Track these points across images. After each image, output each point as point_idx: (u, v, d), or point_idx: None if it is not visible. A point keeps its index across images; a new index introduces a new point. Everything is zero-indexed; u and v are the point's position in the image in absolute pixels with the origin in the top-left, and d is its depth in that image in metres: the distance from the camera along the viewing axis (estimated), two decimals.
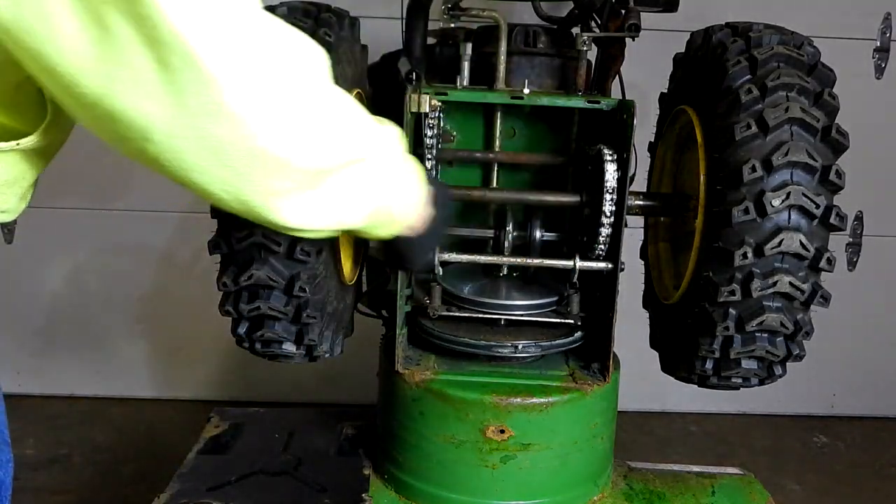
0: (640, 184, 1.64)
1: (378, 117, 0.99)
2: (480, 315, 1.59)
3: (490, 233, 1.65)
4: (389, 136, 0.98)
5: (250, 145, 0.75)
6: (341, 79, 1.40)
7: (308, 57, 0.82)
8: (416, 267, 1.34)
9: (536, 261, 1.57)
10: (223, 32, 0.70)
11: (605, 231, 1.46)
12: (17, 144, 0.84)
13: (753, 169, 1.28)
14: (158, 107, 0.70)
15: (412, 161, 1.06)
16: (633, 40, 1.54)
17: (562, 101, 1.55)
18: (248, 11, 0.74)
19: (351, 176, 0.88)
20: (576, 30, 1.69)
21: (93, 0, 0.65)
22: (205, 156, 0.74)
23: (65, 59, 0.67)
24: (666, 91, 1.69)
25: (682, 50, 1.60)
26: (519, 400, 1.49)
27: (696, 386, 1.52)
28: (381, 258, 1.26)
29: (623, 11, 1.53)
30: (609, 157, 1.44)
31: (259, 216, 0.83)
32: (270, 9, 1.39)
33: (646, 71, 1.81)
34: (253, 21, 0.74)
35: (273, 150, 0.76)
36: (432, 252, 1.29)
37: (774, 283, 1.30)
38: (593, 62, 1.71)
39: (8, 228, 2.79)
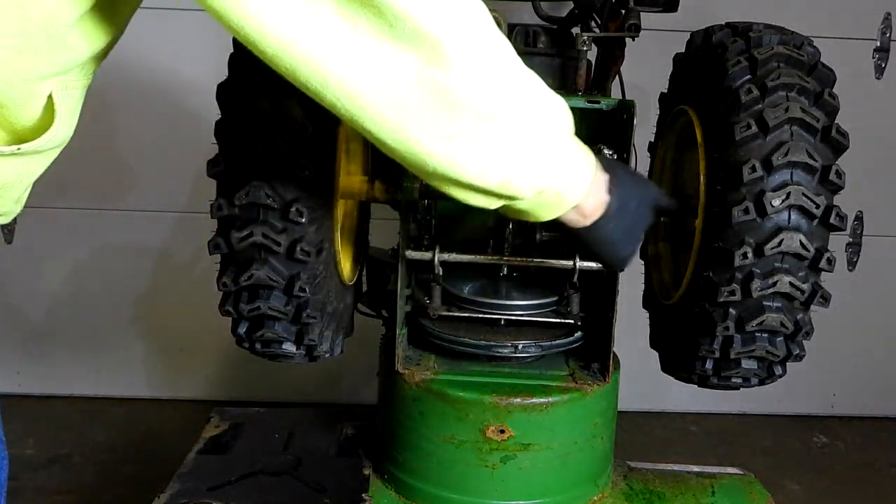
0: None
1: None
2: (480, 315, 1.59)
3: (490, 233, 1.65)
4: (561, 106, 0.93)
5: (423, 77, 0.76)
6: None
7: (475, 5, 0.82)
8: (611, 266, 1.31)
9: (536, 261, 1.57)
10: None
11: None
12: (18, 149, 0.83)
13: (753, 169, 1.28)
14: (335, 41, 0.72)
15: (581, 143, 1.03)
16: (633, 40, 1.54)
17: None
18: None
19: (525, 130, 0.87)
20: (576, 30, 1.69)
21: None
22: (378, 95, 0.76)
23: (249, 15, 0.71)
24: (666, 91, 1.69)
25: (682, 50, 1.60)
26: (519, 400, 1.49)
27: (696, 386, 1.52)
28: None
29: (623, 11, 1.53)
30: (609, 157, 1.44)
31: (429, 166, 0.84)
32: None
33: (646, 71, 1.81)
34: None
35: (447, 85, 0.77)
36: (624, 247, 1.16)
37: (774, 283, 1.30)
38: (593, 62, 1.71)
39: (8, 229, 2.79)
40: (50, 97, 0.82)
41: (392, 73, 0.76)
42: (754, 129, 1.29)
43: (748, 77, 1.34)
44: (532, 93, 0.88)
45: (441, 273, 1.57)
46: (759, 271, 1.30)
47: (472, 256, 1.58)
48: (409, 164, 0.85)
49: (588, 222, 1.06)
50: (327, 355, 1.46)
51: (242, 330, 1.38)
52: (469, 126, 0.81)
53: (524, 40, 1.65)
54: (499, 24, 1.54)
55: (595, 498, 1.61)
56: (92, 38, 0.82)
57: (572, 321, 1.59)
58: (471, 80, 0.79)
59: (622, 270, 1.36)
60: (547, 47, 1.66)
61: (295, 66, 0.75)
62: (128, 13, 0.87)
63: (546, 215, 1.02)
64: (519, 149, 0.87)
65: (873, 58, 2.71)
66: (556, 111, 0.92)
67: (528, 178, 0.91)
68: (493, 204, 0.94)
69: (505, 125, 0.84)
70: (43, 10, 0.75)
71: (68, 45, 0.80)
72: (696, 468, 1.77)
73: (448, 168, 0.84)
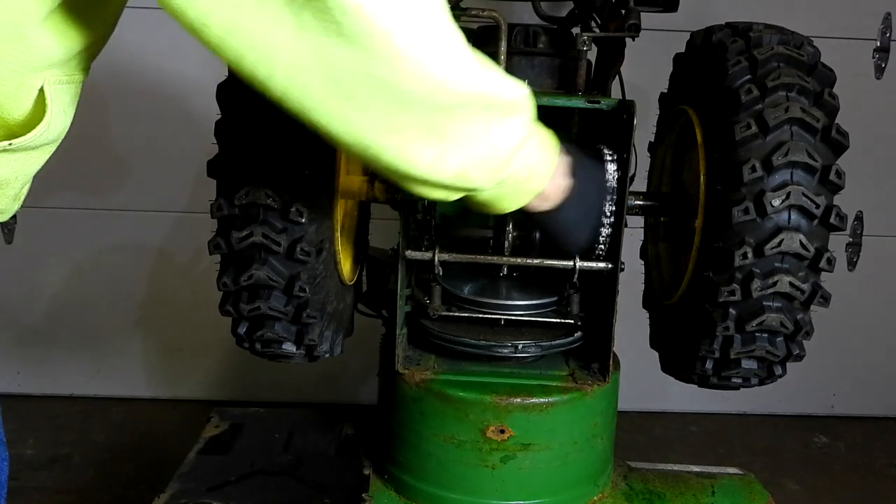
0: (640, 184, 1.64)
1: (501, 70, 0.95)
2: (480, 315, 1.59)
3: (490, 233, 1.65)
4: (519, 92, 0.91)
5: (370, 71, 0.74)
6: None
7: None
8: (572, 246, 1.30)
9: (536, 261, 1.57)
10: None
11: (605, 231, 1.46)
12: (10, 145, 0.82)
13: (753, 169, 1.28)
14: (279, 30, 0.71)
15: (542, 128, 1.01)
16: (633, 40, 1.54)
17: (562, 101, 1.55)
18: None
19: (478, 121, 0.85)
20: (576, 30, 1.69)
21: None
22: (325, 88, 0.74)
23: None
24: (666, 91, 1.69)
25: (682, 50, 1.60)
26: (519, 400, 1.49)
27: (696, 386, 1.52)
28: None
29: (623, 11, 1.53)
30: (609, 157, 1.44)
31: (382, 160, 0.82)
32: None
33: (646, 71, 1.81)
34: None
35: (394, 78, 0.75)
36: (584, 230, 1.19)
37: (774, 283, 1.30)
38: (593, 62, 1.71)
39: (8, 228, 2.79)
40: (41, 91, 0.81)
41: (338, 66, 0.74)
42: (754, 129, 1.29)
43: (748, 77, 1.34)
44: (486, 83, 0.85)
45: (441, 273, 1.57)
46: (759, 271, 1.30)
47: (472, 256, 1.58)
48: (363, 159, 0.84)
49: (548, 206, 1.05)
50: (327, 355, 1.46)
51: (242, 330, 1.38)
52: (419, 119, 0.80)
53: (524, 40, 1.65)
54: (499, 25, 1.55)
55: (595, 498, 1.61)
56: (63, 37, 0.80)
57: (572, 321, 1.59)
58: (418, 73, 0.77)
59: (579, 254, 1.39)
60: (547, 47, 1.66)
61: (240, 56, 0.74)
62: (107, 14, 0.85)
63: (509, 206, 1.01)
64: (473, 140, 0.86)
65: (873, 58, 2.71)
66: (513, 100, 0.90)
67: (486, 170, 0.90)
68: (452, 196, 0.93)
69: (456, 117, 0.83)
70: (6, 6, 0.73)
71: (39, 45, 0.78)
72: (696, 468, 1.77)
73: (400, 162, 0.83)
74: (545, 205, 1.05)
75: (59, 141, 0.90)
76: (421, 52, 0.76)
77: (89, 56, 0.88)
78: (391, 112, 0.78)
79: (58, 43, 0.80)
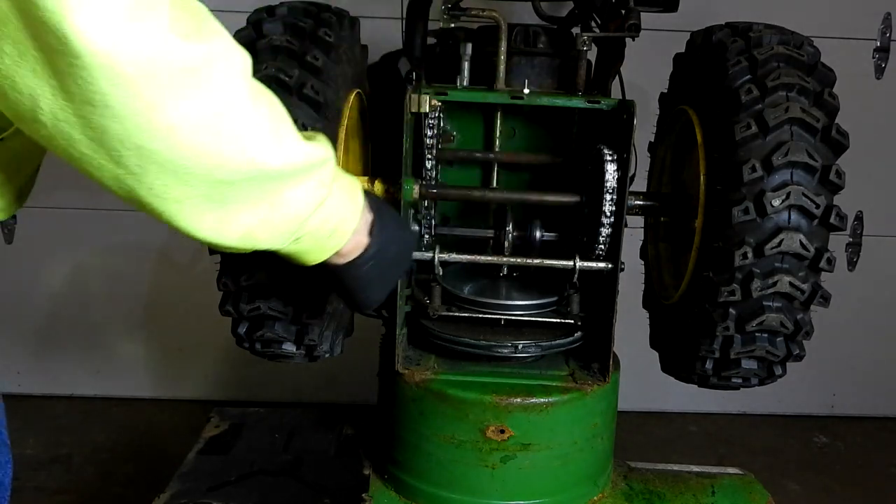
0: (640, 184, 1.64)
1: (308, 132, 0.89)
2: (480, 315, 1.59)
3: (490, 233, 1.65)
4: (314, 152, 0.86)
5: (141, 143, 0.67)
6: (341, 79, 1.40)
7: (220, 50, 0.71)
8: (358, 307, 1.19)
9: (536, 261, 1.57)
10: (110, 8, 0.61)
11: (605, 231, 1.46)
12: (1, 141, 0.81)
13: (753, 169, 1.28)
14: (41, 87, 0.63)
15: (349, 183, 0.97)
16: (633, 40, 1.54)
17: (562, 101, 1.55)
18: None
19: (266, 189, 0.80)
20: (576, 30, 1.69)
21: None
22: (94, 148, 0.67)
23: None
24: (666, 91, 1.69)
25: (682, 50, 1.60)
26: (519, 400, 1.49)
27: (696, 386, 1.52)
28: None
29: (623, 11, 1.53)
30: (609, 157, 1.44)
31: (163, 220, 0.75)
32: (271, 9, 1.40)
33: (646, 71, 1.80)
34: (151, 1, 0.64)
35: (167, 152, 0.68)
36: (375, 291, 1.11)
37: (774, 283, 1.30)
38: (593, 62, 1.71)
39: (8, 228, 2.79)
40: None
41: (106, 134, 0.66)
42: (754, 129, 1.29)
43: (748, 77, 1.34)
44: (274, 154, 0.78)
45: (441, 273, 1.57)
46: (759, 271, 1.30)
47: (472, 256, 1.58)
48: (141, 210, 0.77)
49: (342, 261, 1.01)
50: (327, 355, 1.46)
51: (242, 330, 1.38)
52: (198, 191, 0.74)
53: (524, 40, 1.65)
54: (499, 25, 1.55)
55: (595, 498, 1.61)
56: None
57: (572, 321, 1.59)
58: (195, 149, 0.70)
59: (363, 313, 1.30)
60: (547, 47, 1.66)
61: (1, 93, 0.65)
62: None
63: (311, 260, 0.97)
64: (258, 207, 0.80)
65: (873, 58, 2.71)
66: (309, 164, 0.84)
67: (276, 233, 0.85)
68: (245, 251, 0.87)
69: (241, 188, 0.77)
70: None
71: None
72: (696, 468, 1.77)
73: (180, 224, 0.76)
74: (339, 259, 1.01)
75: None
76: (199, 127, 0.69)
77: None
78: (167, 183, 0.71)
79: None
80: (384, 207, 1.11)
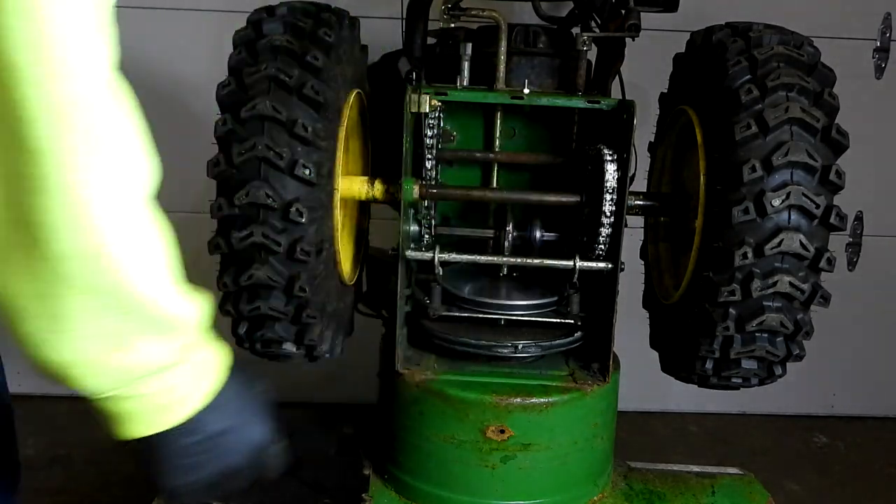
0: (640, 184, 1.64)
1: (186, 287, 0.79)
2: (480, 315, 1.59)
3: (490, 233, 1.65)
4: (186, 309, 0.78)
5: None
6: (341, 79, 1.40)
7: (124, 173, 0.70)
8: (155, 483, 0.92)
9: (536, 261, 1.57)
10: None
11: (605, 231, 1.46)
12: None
13: (753, 169, 1.28)
14: None
15: (209, 361, 0.84)
16: (633, 40, 1.54)
17: (562, 101, 1.55)
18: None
19: (118, 318, 0.74)
20: (576, 30, 1.69)
21: None
22: None
23: None
24: (666, 91, 1.69)
25: (682, 50, 1.60)
26: (519, 400, 1.49)
27: (696, 386, 1.52)
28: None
29: (623, 11, 1.53)
30: (609, 157, 1.44)
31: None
32: (271, 9, 1.40)
33: (646, 71, 1.80)
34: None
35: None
36: (181, 476, 0.90)
37: (774, 283, 1.30)
38: (593, 62, 1.71)
39: None
40: None
41: None
42: (754, 129, 1.29)
43: (748, 77, 1.34)
44: (143, 277, 0.73)
45: (441, 273, 1.57)
46: (759, 271, 1.30)
47: (473, 256, 1.58)
48: None
49: (148, 430, 0.86)
50: (327, 355, 1.46)
51: (242, 330, 1.38)
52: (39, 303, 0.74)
53: (524, 40, 1.65)
54: (499, 25, 1.55)
55: (595, 498, 1.61)
56: None
57: (572, 321, 1.59)
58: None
59: (164, 497, 1.02)
60: (547, 47, 1.66)
61: None
62: None
63: (132, 431, 0.87)
64: (100, 337, 0.76)
65: (873, 58, 2.71)
66: (173, 308, 0.77)
67: (107, 369, 0.79)
68: (63, 383, 0.83)
69: (89, 309, 0.74)
70: None
71: None
72: (696, 468, 1.77)
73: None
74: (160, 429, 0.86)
75: None
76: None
77: None
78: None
79: None
80: (235, 385, 0.91)
